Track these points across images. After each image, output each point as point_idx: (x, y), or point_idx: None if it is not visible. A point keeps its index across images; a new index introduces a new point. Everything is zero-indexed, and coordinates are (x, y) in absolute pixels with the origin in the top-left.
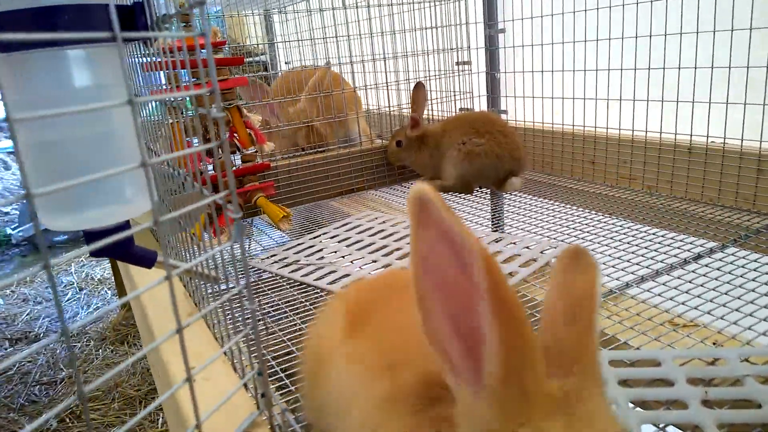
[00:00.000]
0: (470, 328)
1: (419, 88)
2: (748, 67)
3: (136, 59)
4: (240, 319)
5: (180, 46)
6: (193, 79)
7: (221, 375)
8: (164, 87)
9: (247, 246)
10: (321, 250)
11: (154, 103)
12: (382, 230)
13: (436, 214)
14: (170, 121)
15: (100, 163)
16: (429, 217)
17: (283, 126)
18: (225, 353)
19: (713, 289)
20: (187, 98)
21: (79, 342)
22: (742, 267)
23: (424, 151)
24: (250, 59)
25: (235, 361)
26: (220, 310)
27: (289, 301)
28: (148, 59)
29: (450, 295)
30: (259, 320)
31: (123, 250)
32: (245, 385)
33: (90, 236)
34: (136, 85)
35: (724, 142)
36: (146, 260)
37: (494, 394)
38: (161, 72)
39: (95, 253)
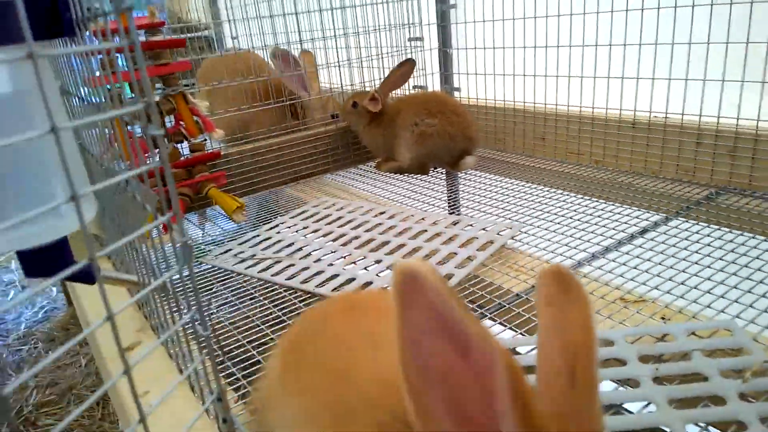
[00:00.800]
0: (480, 419)
1: (402, 65)
2: (690, 44)
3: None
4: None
5: (116, 28)
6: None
7: (179, 398)
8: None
9: (201, 234)
10: (278, 242)
11: (88, 95)
12: (340, 217)
13: (436, 299)
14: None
15: (30, 176)
16: (422, 300)
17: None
18: (181, 371)
19: (660, 263)
20: (127, 85)
21: (26, 345)
22: (686, 239)
23: (376, 129)
24: (193, 34)
25: (193, 383)
26: (172, 320)
27: (242, 296)
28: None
29: (451, 384)
30: (214, 344)
31: (62, 268)
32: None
33: (23, 255)
34: (72, 76)
35: (666, 117)
36: (90, 276)
37: None
38: (97, 59)
39: (31, 274)
